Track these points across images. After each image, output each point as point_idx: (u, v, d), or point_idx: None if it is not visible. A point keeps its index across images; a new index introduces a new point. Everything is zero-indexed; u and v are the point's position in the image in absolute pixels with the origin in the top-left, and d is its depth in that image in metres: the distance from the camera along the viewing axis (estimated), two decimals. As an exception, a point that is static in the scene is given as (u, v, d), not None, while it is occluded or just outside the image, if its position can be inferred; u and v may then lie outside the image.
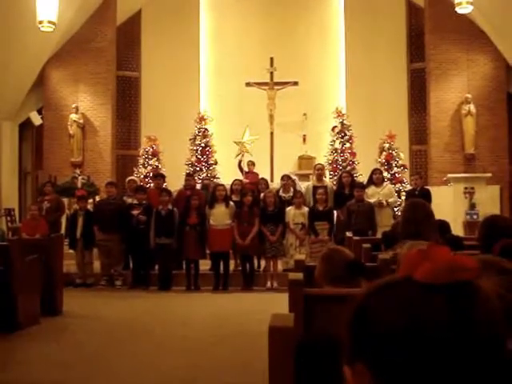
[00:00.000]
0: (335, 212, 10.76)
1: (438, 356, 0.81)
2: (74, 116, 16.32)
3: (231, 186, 11.34)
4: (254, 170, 14.02)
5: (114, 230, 10.66)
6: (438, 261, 0.86)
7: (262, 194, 11.05)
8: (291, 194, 11.14)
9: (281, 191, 11.38)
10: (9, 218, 15.12)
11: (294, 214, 10.51)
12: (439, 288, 0.84)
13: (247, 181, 12.60)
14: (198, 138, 16.20)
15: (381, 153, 15.55)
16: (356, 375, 0.86)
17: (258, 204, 10.69)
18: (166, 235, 10.48)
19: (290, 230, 10.55)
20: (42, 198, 12.22)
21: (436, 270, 0.85)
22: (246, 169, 14.27)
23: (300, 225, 10.48)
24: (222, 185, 11.27)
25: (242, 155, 15.09)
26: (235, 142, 15.61)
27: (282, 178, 11.56)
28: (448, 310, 0.82)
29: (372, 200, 10.47)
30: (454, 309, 0.83)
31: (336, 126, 16.02)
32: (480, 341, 0.82)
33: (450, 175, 14.53)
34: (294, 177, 12.40)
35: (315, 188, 10.93)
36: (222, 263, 10.55)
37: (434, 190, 12.27)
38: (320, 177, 11.46)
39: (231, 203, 10.66)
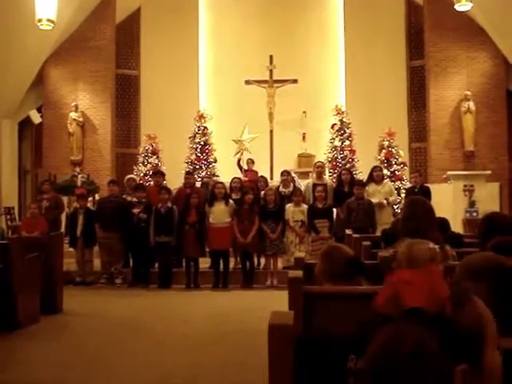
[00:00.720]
0: (335, 210, 10.77)
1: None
2: (73, 114, 16.32)
3: (230, 184, 11.34)
4: (254, 168, 14.02)
5: (114, 227, 10.67)
6: (385, 297, 1.07)
7: (262, 192, 11.06)
8: (291, 189, 11.17)
9: (281, 187, 11.41)
10: (8, 217, 15.12)
11: (294, 212, 10.52)
12: (388, 319, 1.06)
13: (246, 179, 12.60)
14: (197, 136, 16.20)
15: (380, 150, 15.55)
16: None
17: (257, 202, 10.70)
18: (165, 233, 10.48)
19: (289, 228, 10.55)
20: (40, 196, 12.21)
21: (386, 305, 1.07)
22: (245, 167, 14.26)
23: (300, 222, 10.48)
24: (222, 183, 11.26)
25: (241, 153, 15.09)
26: (234, 141, 15.60)
27: (282, 174, 11.60)
28: (395, 341, 1.02)
29: (373, 200, 10.47)
30: (400, 339, 1.02)
31: (335, 124, 16.02)
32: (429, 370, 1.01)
33: (449, 173, 14.53)
34: (293, 174, 12.41)
35: (315, 186, 10.94)
36: (221, 261, 10.55)
37: (434, 188, 12.27)
38: (320, 174, 11.46)
39: (231, 201, 10.66)
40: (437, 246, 3.36)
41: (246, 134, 15.63)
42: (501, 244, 2.97)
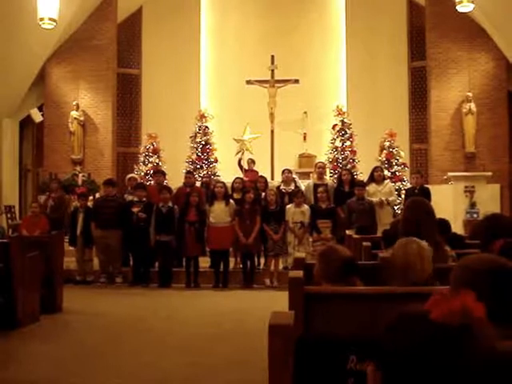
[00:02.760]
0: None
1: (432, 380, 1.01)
2: (74, 113, 16.33)
3: (232, 184, 11.35)
4: (254, 168, 14.02)
5: (112, 227, 10.66)
6: (451, 307, 1.06)
7: (263, 194, 11.04)
8: (292, 187, 11.18)
9: (282, 185, 11.41)
10: (9, 215, 15.13)
11: (294, 213, 10.49)
12: (445, 329, 1.04)
13: (247, 179, 12.60)
14: (198, 135, 16.20)
15: (381, 151, 15.54)
16: (374, 374, 1.11)
17: (258, 202, 10.70)
18: (166, 232, 10.48)
19: (289, 229, 10.54)
20: (47, 195, 12.21)
21: (448, 314, 1.05)
22: (245, 167, 14.26)
23: (299, 224, 10.46)
24: (221, 182, 11.26)
25: (242, 153, 15.08)
26: (235, 140, 15.60)
27: (283, 172, 11.60)
28: (446, 349, 1.01)
29: (373, 199, 10.48)
30: (451, 347, 1.01)
31: (336, 124, 16.02)
32: (466, 381, 1.00)
33: (450, 174, 14.53)
34: (294, 175, 12.41)
35: (316, 186, 10.94)
36: (221, 261, 10.55)
37: (435, 189, 12.27)
38: (321, 175, 11.47)
39: (231, 201, 10.66)
40: (426, 244, 3.37)
41: (247, 134, 15.62)
42: (508, 247, 2.97)
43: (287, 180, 11.44)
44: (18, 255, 7.43)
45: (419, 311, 1.08)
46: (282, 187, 11.36)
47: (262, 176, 12.28)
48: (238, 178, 11.82)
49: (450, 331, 1.01)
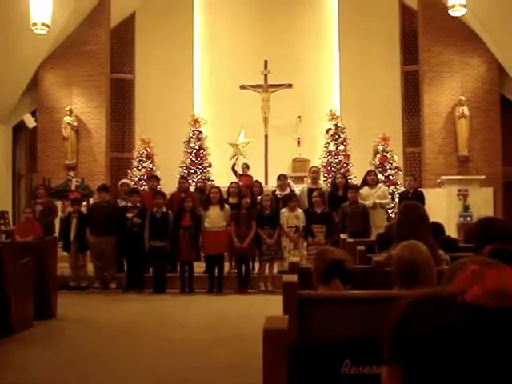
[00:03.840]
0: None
1: (471, 376, 0.84)
2: (67, 118, 16.30)
3: (228, 188, 11.34)
4: (249, 173, 14.01)
5: (107, 232, 10.63)
6: (489, 286, 0.90)
7: (258, 198, 11.03)
8: (287, 192, 11.18)
9: (277, 190, 11.41)
10: (2, 221, 15.08)
11: (288, 217, 10.48)
12: (484, 311, 0.88)
13: (241, 183, 12.59)
14: (192, 140, 16.19)
15: (375, 155, 15.57)
16: (392, 376, 0.91)
17: (254, 206, 10.69)
18: (160, 238, 10.46)
19: (283, 233, 10.53)
20: (34, 201, 12.18)
21: (486, 295, 0.89)
22: (240, 171, 14.24)
23: (294, 228, 10.45)
24: (216, 187, 11.25)
25: (237, 158, 15.05)
26: (230, 144, 15.58)
27: (279, 178, 11.60)
28: (488, 335, 0.86)
29: (366, 202, 10.49)
30: (494, 334, 0.86)
31: (330, 129, 16.04)
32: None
33: (443, 177, 14.58)
34: (288, 180, 12.41)
35: (310, 190, 10.94)
36: (216, 266, 10.54)
37: (428, 192, 12.30)
38: (315, 180, 11.47)
39: (226, 206, 10.65)
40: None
41: (241, 138, 15.59)
42: (499, 250, 2.98)
43: (283, 185, 11.43)
44: (11, 261, 7.40)
45: (442, 294, 0.94)
46: (277, 192, 11.36)
47: (257, 181, 12.29)
48: (233, 182, 11.82)
49: (490, 314, 0.88)
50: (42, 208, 11.59)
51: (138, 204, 10.83)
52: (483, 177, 14.53)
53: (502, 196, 15.64)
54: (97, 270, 10.88)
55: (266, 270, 10.63)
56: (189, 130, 16.29)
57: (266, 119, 16.50)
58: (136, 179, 15.63)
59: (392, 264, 3.36)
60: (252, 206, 10.61)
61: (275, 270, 10.64)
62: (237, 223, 10.47)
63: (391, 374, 0.91)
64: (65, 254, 11.09)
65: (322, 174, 14.44)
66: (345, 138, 15.89)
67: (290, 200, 10.67)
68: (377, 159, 15.42)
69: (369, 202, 10.53)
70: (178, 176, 12.90)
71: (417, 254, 3.18)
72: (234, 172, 14.46)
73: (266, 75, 16.52)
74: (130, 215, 10.63)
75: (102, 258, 10.76)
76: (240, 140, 15.54)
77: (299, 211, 10.55)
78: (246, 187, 12.03)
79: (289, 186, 11.70)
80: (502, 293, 0.88)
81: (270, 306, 6.31)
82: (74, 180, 14.78)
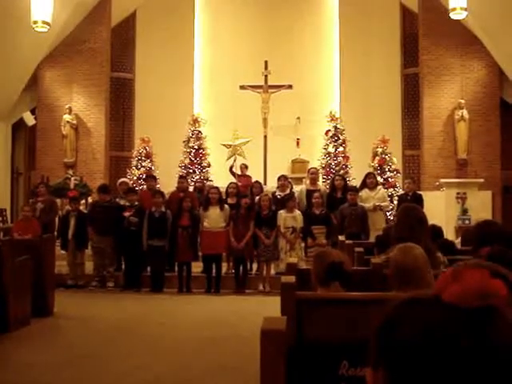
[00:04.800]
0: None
1: (452, 377, 0.84)
2: (67, 117, 16.28)
3: (227, 189, 11.34)
4: (247, 173, 14.00)
5: (107, 231, 10.64)
6: (467, 285, 0.89)
7: (256, 198, 11.01)
8: (287, 192, 11.18)
9: (277, 191, 11.39)
10: (0, 219, 15.06)
11: (285, 218, 10.48)
12: (464, 311, 0.87)
13: (240, 184, 12.58)
14: (191, 140, 16.19)
15: (374, 157, 15.58)
16: (377, 379, 0.91)
17: (253, 207, 10.69)
18: (158, 237, 10.46)
19: (280, 234, 10.53)
20: (35, 198, 12.17)
21: (464, 294, 0.88)
22: (238, 172, 14.22)
23: (291, 229, 10.45)
24: (216, 187, 11.26)
25: (234, 159, 14.99)
26: (224, 145, 15.53)
27: (279, 179, 11.58)
28: (468, 335, 0.85)
29: (366, 205, 10.49)
30: (475, 334, 0.85)
31: (329, 130, 16.05)
32: (495, 367, 0.84)
33: (442, 180, 14.58)
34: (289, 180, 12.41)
35: (309, 192, 10.94)
36: (214, 266, 10.54)
37: (427, 195, 12.30)
38: (314, 181, 11.47)
39: (226, 206, 10.65)
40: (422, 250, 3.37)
41: (237, 139, 15.50)
42: (496, 253, 2.98)
43: (283, 186, 11.41)
44: (9, 258, 7.40)
45: (426, 295, 0.94)
46: (277, 193, 11.34)
47: (257, 181, 12.26)
48: (232, 182, 11.82)
49: (469, 314, 0.87)
50: (42, 206, 11.59)
51: (136, 203, 10.83)
52: (482, 180, 14.53)
53: (501, 199, 15.65)
54: (97, 268, 10.88)
55: (264, 271, 10.63)
56: (188, 129, 16.29)
57: (265, 120, 16.49)
58: (135, 178, 15.63)
59: (389, 267, 3.36)
60: (250, 207, 10.61)
61: (272, 271, 10.64)
62: (235, 223, 10.48)
63: (376, 377, 0.92)
64: (63, 252, 11.09)
65: (320, 175, 14.45)
66: (344, 140, 15.90)
67: (288, 201, 10.68)
68: (376, 161, 15.43)
69: (369, 205, 10.53)
70: (177, 175, 12.89)
71: (410, 257, 3.18)
72: (232, 173, 14.39)
73: (266, 76, 16.51)
74: (127, 214, 10.64)
75: (103, 257, 10.78)
76: (237, 140, 15.46)
77: (297, 212, 10.55)
78: (244, 187, 12.03)
79: (291, 186, 11.66)
80: (481, 292, 0.88)
81: (267, 307, 6.32)
82: (72, 178, 14.78)
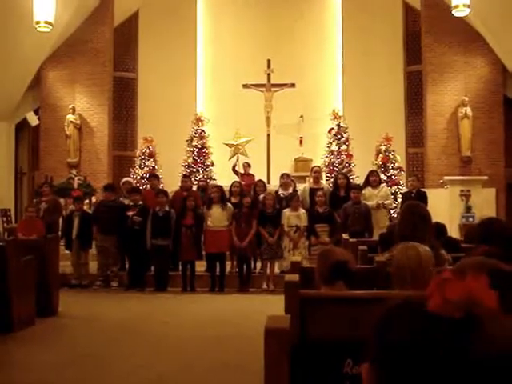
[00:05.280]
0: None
1: (430, 380, 0.87)
2: (70, 117, 16.30)
3: (230, 187, 11.34)
4: (250, 172, 14.00)
5: (111, 231, 10.66)
6: (448, 297, 0.91)
7: (261, 196, 11.01)
8: (290, 191, 11.17)
9: (280, 189, 11.39)
10: (5, 219, 15.09)
11: (289, 217, 10.47)
12: (445, 321, 0.89)
13: (243, 182, 12.59)
14: (194, 139, 16.20)
15: (377, 155, 15.56)
16: (372, 374, 0.95)
17: (255, 206, 10.69)
18: (162, 236, 10.46)
19: (284, 233, 10.53)
20: (39, 198, 12.19)
21: (444, 306, 0.90)
22: (241, 171, 14.22)
23: (294, 227, 10.45)
24: (217, 186, 11.26)
25: (237, 158, 14.99)
26: (226, 144, 15.53)
27: (282, 176, 11.58)
28: (448, 345, 0.87)
29: (369, 203, 10.48)
30: (454, 345, 0.87)
31: (333, 128, 16.04)
32: (472, 379, 0.86)
33: (446, 178, 14.55)
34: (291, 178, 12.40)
35: (312, 190, 10.94)
36: (218, 265, 10.54)
37: (431, 193, 12.28)
38: (317, 179, 11.46)
39: (229, 205, 10.65)
40: (428, 249, 3.36)
41: (240, 138, 15.50)
42: (491, 255, 2.97)
43: (285, 184, 11.42)
44: (14, 258, 7.41)
45: (415, 301, 0.95)
46: (280, 191, 11.34)
47: (260, 180, 12.28)
48: (236, 181, 11.83)
49: (450, 325, 0.88)
50: (46, 206, 11.61)
51: (140, 202, 10.84)
52: (486, 177, 14.51)
53: (505, 197, 15.62)
54: (101, 268, 10.90)
55: (268, 270, 10.63)
56: (191, 128, 16.31)
57: (268, 118, 16.50)
58: (138, 178, 15.65)
59: (391, 265, 3.36)
60: (253, 205, 10.60)
61: (276, 270, 10.64)
62: (237, 222, 10.48)
63: (371, 372, 0.96)
64: (67, 251, 11.11)
65: (324, 173, 14.44)
66: (347, 138, 15.89)
67: (292, 200, 10.67)
68: (379, 159, 15.42)
69: (372, 203, 10.52)
70: (181, 175, 12.89)
71: (409, 256, 3.18)
72: (235, 172, 14.40)
73: (268, 74, 16.52)
74: (130, 214, 10.65)
75: (108, 256, 10.80)
76: (240, 139, 15.46)
77: (301, 211, 10.55)
78: (247, 186, 12.04)
79: (294, 185, 11.66)
80: (464, 304, 0.89)
81: (271, 306, 6.31)
82: (76, 178, 14.80)
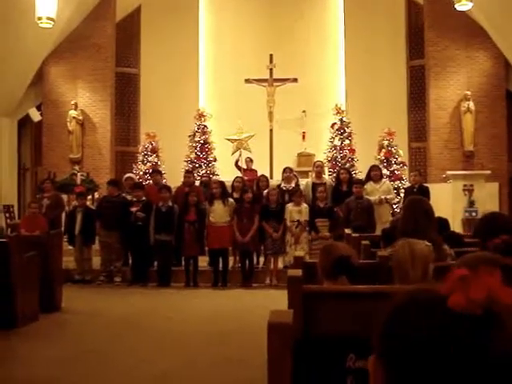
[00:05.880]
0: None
1: (448, 379, 0.85)
2: (73, 112, 16.30)
3: (232, 183, 11.34)
4: (253, 167, 13.99)
5: (114, 226, 10.68)
6: (472, 296, 0.88)
7: (265, 192, 11.00)
8: (293, 185, 11.17)
9: (282, 183, 11.39)
10: (8, 215, 15.12)
11: (291, 212, 10.48)
12: (467, 318, 0.87)
13: (246, 178, 12.58)
14: (197, 134, 16.19)
15: (380, 150, 15.55)
16: (378, 367, 0.92)
17: (258, 201, 10.69)
18: (165, 232, 10.48)
19: (286, 227, 10.53)
20: (41, 194, 12.20)
21: (468, 305, 0.88)
22: (244, 166, 14.22)
23: (296, 222, 10.45)
24: (218, 181, 11.26)
25: (240, 154, 14.99)
26: (229, 140, 15.53)
27: (285, 170, 11.58)
28: (470, 342, 0.86)
29: (372, 198, 10.47)
30: (475, 342, 0.86)
31: (335, 123, 16.01)
32: (492, 377, 0.84)
33: (449, 172, 14.53)
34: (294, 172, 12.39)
35: (314, 185, 10.94)
36: (220, 260, 10.56)
37: (433, 187, 12.27)
38: (319, 174, 11.46)
39: (230, 200, 10.65)
40: (429, 244, 3.36)
41: (242, 133, 15.49)
42: (502, 245, 2.97)
43: (288, 178, 11.42)
44: (17, 254, 7.43)
45: (435, 296, 0.92)
46: (282, 185, 11.34)
47: (263, 175, 12.25)
48: (238, 177, 11.82)
49: (471, 322, 0.86)
50: (49, 202, 11.62)
51: (144, 198, 10.86)
52: (489, 172, 14.48)
53: (508, 191, 15.61)
54: (104, 263, 10.92)
55: (271, 265, 10.64)
56: (194, 124, 16.29)
57: (271, 113, 16.47)
58: (141, 173, 15.65)
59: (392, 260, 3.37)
60: (255, 201, 10.61)
61: (280, 265, 10.65)
62: (239, 217, 10.49)
63: (378, 365, 0.93)
64: (70, 247, 11.13)
65: (326, 168, 14.43)
66: (350, 133, 15.87)
67: (294, 195, 10.68)
68: (382, 154, 15.40)
69: (374, 198, 10.52)
70: (184, 170, 12.89)
71: (407, 253, 3.19)
72: (238, 168, 14.40)
73: (271, 69, 16.49)
74: (133, 209, 10.67)
75: (111, 252, 10.82)
76: (242, 134, 15.45)
77: (303, 206, 10.55)
78: (250, 181, 12.03)
79: (296, 179, 11.65)
80: (485, 301, 0.87)
81: (274, 301, 6.32)
82: (78, 174, 14.81)
